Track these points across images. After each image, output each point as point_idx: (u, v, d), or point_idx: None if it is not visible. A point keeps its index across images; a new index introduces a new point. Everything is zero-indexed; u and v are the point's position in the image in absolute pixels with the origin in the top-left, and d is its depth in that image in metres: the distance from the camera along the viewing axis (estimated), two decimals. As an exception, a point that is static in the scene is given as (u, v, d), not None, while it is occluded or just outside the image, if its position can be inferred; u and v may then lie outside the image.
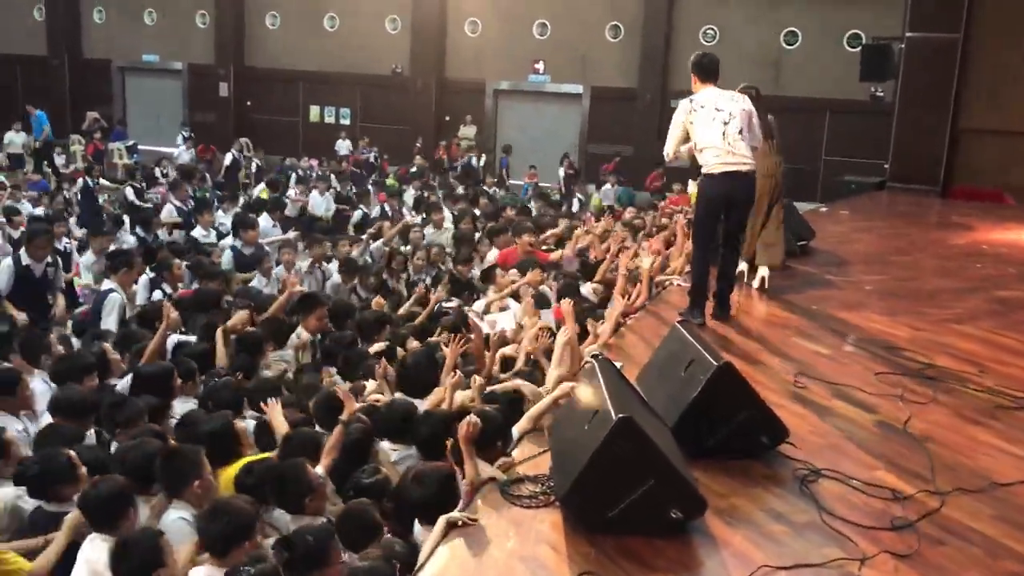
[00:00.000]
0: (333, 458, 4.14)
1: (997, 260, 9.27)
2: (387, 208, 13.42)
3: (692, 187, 13.12)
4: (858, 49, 17.90)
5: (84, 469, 4.02)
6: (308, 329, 6.59)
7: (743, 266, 7.31)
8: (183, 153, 20.20)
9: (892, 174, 16.11)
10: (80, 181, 14.42)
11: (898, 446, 4.25)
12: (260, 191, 14.72)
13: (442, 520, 3.41)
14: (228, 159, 19.02)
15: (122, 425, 4.65)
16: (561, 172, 20.12)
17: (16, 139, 20.82)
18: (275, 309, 6.90)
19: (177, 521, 3.78)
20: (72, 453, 4.07)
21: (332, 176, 16.69)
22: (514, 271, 7.93)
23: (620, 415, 3.20)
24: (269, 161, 23.48)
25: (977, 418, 4.67)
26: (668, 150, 6.10)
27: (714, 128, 5.83)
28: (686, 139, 6.01)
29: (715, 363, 3.90)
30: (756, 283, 7.25)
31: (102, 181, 15.54)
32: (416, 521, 3.72)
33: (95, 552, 3.57)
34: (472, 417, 3.78)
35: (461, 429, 3.73)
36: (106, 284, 7.46)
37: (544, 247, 9.53)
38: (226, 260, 9.09)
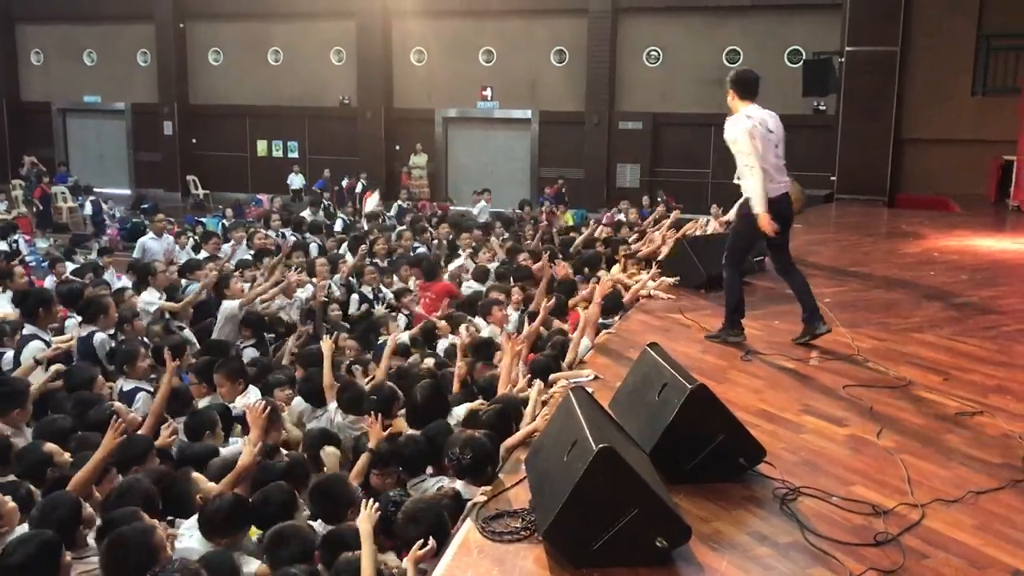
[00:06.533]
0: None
1: (949, 267, 9.44)
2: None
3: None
4: (799, 65, 18.25)
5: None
6: None
7: None
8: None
9: (839, 186, 16.40)
10: None
11: (872, 459, 4.25)
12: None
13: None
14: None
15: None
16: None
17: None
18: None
19: None
20: None
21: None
22: None
23: (600, 445, 3.15)
24: (217, 198, 23.25)
25: (946, 426, 4.70)
26: (758, 164, 5.71)
27: (769, 148, 5.75)
28: None
29: (689, 386, 3.86)
30: None
31: None
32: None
33: None
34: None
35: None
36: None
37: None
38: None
